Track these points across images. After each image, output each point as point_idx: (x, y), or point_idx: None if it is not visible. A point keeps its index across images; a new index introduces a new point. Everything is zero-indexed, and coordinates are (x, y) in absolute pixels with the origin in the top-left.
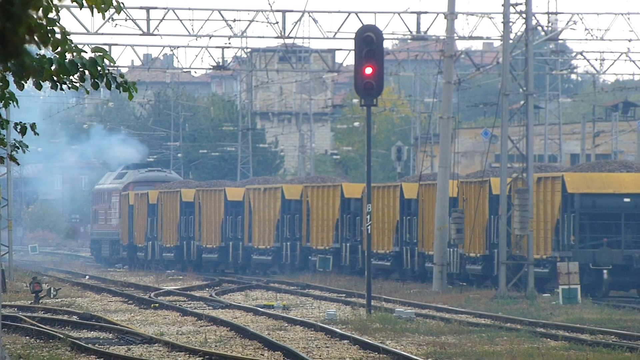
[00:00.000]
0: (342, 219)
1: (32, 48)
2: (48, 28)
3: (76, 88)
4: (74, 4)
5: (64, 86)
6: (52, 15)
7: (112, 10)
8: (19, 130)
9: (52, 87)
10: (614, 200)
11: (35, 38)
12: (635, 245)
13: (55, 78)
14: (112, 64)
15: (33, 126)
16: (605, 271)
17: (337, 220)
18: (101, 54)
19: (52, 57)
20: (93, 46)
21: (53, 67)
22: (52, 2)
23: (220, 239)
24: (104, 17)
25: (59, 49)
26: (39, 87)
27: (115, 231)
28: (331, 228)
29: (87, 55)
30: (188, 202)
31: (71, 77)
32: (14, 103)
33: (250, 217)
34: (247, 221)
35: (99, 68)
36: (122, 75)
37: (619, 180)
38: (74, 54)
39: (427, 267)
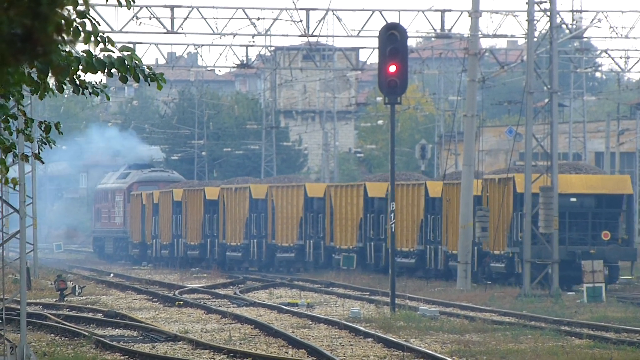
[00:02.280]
0: (365, 218)
1: (59, 47)
2: (78, 20)
3: (97, 94)
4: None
5: (86, 91)
6: (81, 7)
7: (136, 9)
8: (43, 129)
9: (74, 91)
10: (562, 199)
11: (64, 36)
12: (579, 242)
13: (78, 82)
14: (139, 64)
15: (57, 125)
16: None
17: (361, 220)
18: (129, 52)
19: (79, 56)
20: (121, 45)
21: (80, 66)
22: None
23: (244, 236)
24: (129, 7)
25: (90, 45)
26: (60, 89)
27: (119, 229)
28: (355, 227)
29: (115, 54)
30: (212, 200)
31: (94, 81)
32: (50, 93)
33: (273, 214)
34: (270, 219)
35: (127, 67)
36: (149, 68)
37: (567, 181)
38: (104, 53)
39: (451, 265)
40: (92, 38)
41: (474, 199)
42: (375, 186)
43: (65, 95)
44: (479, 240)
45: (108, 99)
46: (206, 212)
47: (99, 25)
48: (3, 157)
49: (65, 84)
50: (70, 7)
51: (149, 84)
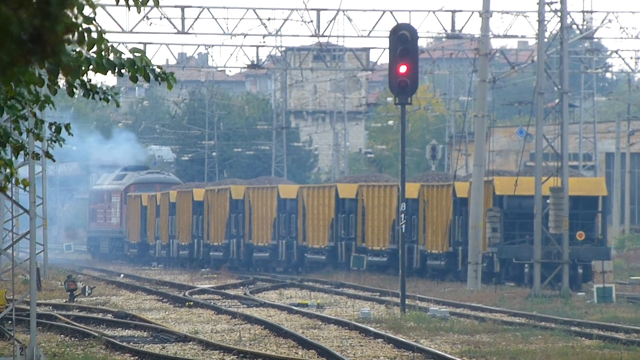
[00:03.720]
0: (337, 218)
1: (69, 47)
2: (84, 26)
3: (107, 100)
4: (110, 1)
5: (96, 95)
6: (88, 13)
7: (146, 9)
8: (53, 130)
9: (84, 95)
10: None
11: (71, 37)
12: (489, 242)
13: (88, 86)
14: (149, 66)
15: (67, 126)
16: (526, 265)
17: (332, 220)
18: (139, 54)
19: (89, 56)
20: (131, 47)
21: (91, 67)
22: (88, 0)
23: (271, 237)
24: (139, 11)
25: (95, 48)
26: (71, 93)
27: (116, 229)
28: (327, 227)
29: (125, 56)
30: (237, 200)
31: (103, 85)
32: (50, 105)
33: (250, 215)
34: (300, 219)
35: (137, 68)
36: (160, 67)
37: (546, 184)
38: (113, 54)
39: (428, 264)
40: (95, 47)
41: (407, 202)
42: (346, 187)
43: (76, 96)
44: (489, 241)
45: (118, 105)
46: (231, 212)
47: (105, 33)
48: (14, 157)
49: (75, 87)
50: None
51: (160, 84)
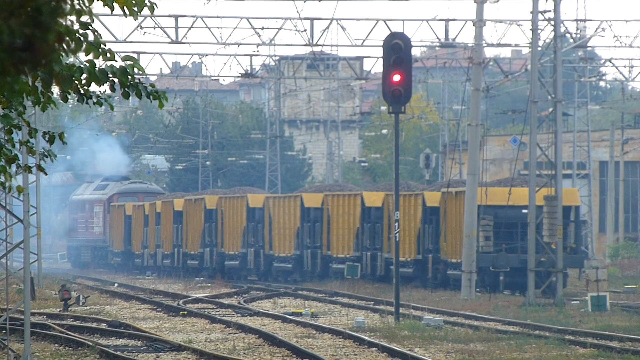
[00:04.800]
0: (302, 227)
1: (61, 56)
2: (81, 32)
3: (100, 104)
4: (104, 9)
5: (90, 101)
6: (84, 18)
7: (140, 18)
8: (47, 140)
9: (79, 100)
10: (514, 211)
11: (64, 46)
12: (481, 250)
13: (82, 91)
14: (142, 73)
15: (61, 135)
16: (502, 273)
17: (298, 228)
18: (131, 62)
19: (81, 65)
20: (123, 55)
21: (83, 76)
22: (83, 7)
23: (241, 245)
24: (135, 18)
25: (91, 55)
26: (64, 99)
27: (99, 238)
28: (293, 236)
29: (118, 64)
30: (211, 209)
31: (98, 92)
32: (51, 105)
33: (222, 225)
34: (267, 228)
35: (129, 77)
36: (152, 85)
37: (519, 194)
38: (106, 62)
39: (449, 274)
40: (92, 54)
41: (368, 211)
42: (311, 197)
43: (70, 105)
44: (482, 249)
45: (112, 108)
46: (249, 221)
47: (101, 37)
48: (7, 167)
49: (69, 94)
50: (73, 18)
51: (151, 101)
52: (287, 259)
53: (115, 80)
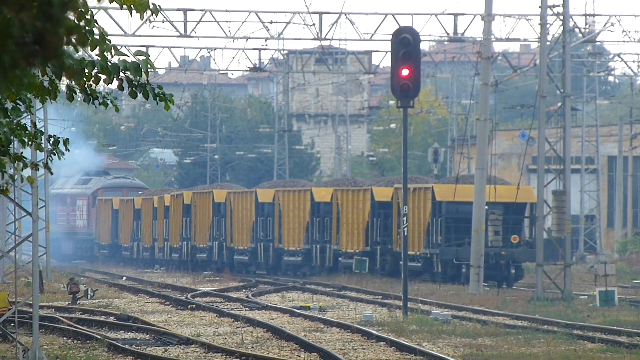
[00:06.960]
0: (432, 222)
1: (71, 50)
2: (86, 28)
3: (106, 105)
4: (113, 4)
5: (95, 101)
6: (89, 16)
7: (149, 12)
8: (51, 143)
9: (84, 100)
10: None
11: (73, 39)
12: (491, 244)
13: (89, 91)
14: (152, 69)
15: (66, 142)
16: (464, 265)
17: (308, 223)
18: (144, 58)
19: (94, 59)
20: (136, 50)
21: (95, 70)
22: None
23: (250, 240)
24: (142, 18)
25: (97, 49)
26: (70, 98)
27: (83, 231)
28: (302, 230)
29: (130, 59)
30: (220, 203)
31: (104, 92)
32: (50, 99)
33: (232, 219)
34: (277, 223)
35: (142, 73)
36: (160, 87)
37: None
38: (118, 57)
39: (340, 262)
40: (98, 49)
41: (317, 205)
42: (321, 191)
43: (78, 99)
44: (492, 243)
45: (117, 110)
46: (258, 215)
47: (107, 35)
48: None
49: (75, 92)
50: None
51: (157, 103)
52: (296, 252)
53: (127, 74)
